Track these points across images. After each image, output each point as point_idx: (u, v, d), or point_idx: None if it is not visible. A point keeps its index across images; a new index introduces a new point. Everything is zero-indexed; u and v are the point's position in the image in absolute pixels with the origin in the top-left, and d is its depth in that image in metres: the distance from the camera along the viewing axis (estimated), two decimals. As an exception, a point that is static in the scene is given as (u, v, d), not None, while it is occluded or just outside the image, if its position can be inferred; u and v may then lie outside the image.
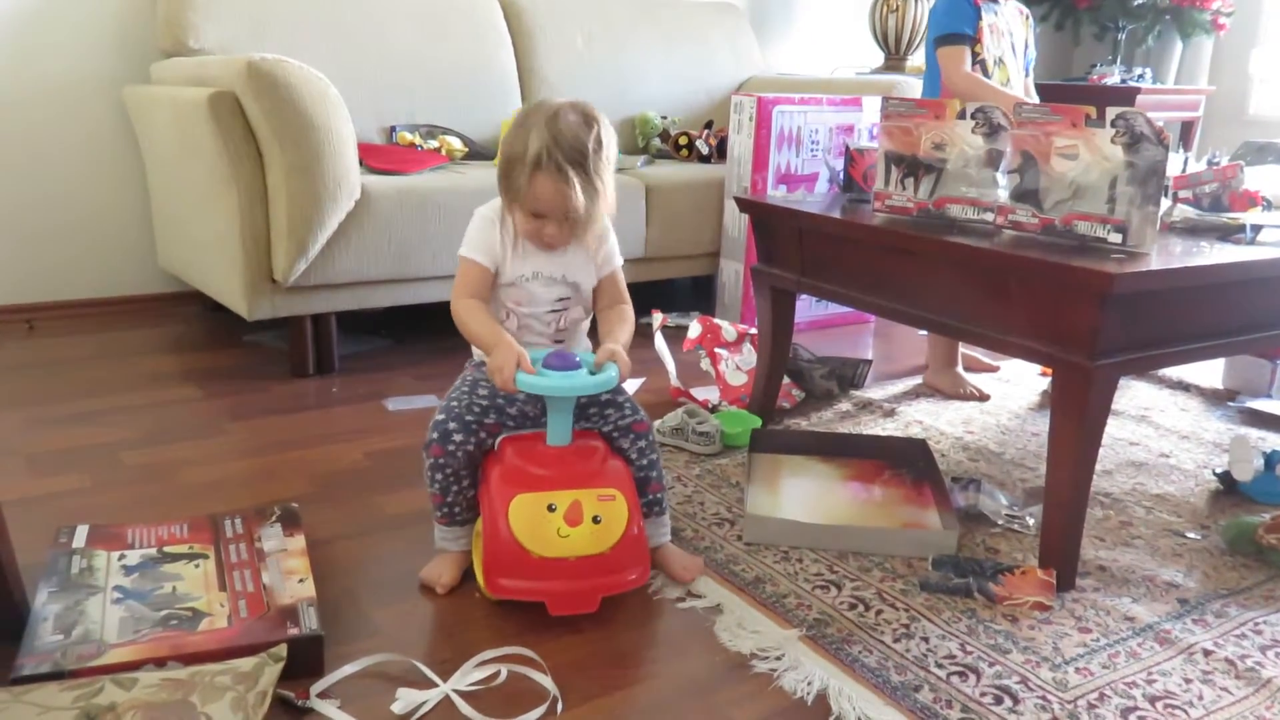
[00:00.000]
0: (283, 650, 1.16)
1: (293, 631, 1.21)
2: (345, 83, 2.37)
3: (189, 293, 2.94)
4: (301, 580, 1.33)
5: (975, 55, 2.22)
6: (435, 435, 1.42)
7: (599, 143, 1.38)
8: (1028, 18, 2.35)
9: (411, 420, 2.13)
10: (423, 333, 2.78)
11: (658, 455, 1.51)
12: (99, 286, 2.93)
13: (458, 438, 1.41)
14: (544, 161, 1.35)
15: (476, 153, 2.92)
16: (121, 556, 1.38)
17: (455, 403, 1.45)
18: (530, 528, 1.32)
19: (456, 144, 2.83)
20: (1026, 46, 2.35)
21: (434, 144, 2.80)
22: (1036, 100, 2.37)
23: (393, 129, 2.84)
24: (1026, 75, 2.37)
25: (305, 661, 1.20)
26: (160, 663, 1.14)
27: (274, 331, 2.66)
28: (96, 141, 2.85)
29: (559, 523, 1.32)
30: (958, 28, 2.21)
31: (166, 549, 1.41)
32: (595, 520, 1.33)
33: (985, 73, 2.23)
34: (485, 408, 1.45)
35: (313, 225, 2.21)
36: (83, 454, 1.91)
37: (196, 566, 1.37)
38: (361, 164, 2.40)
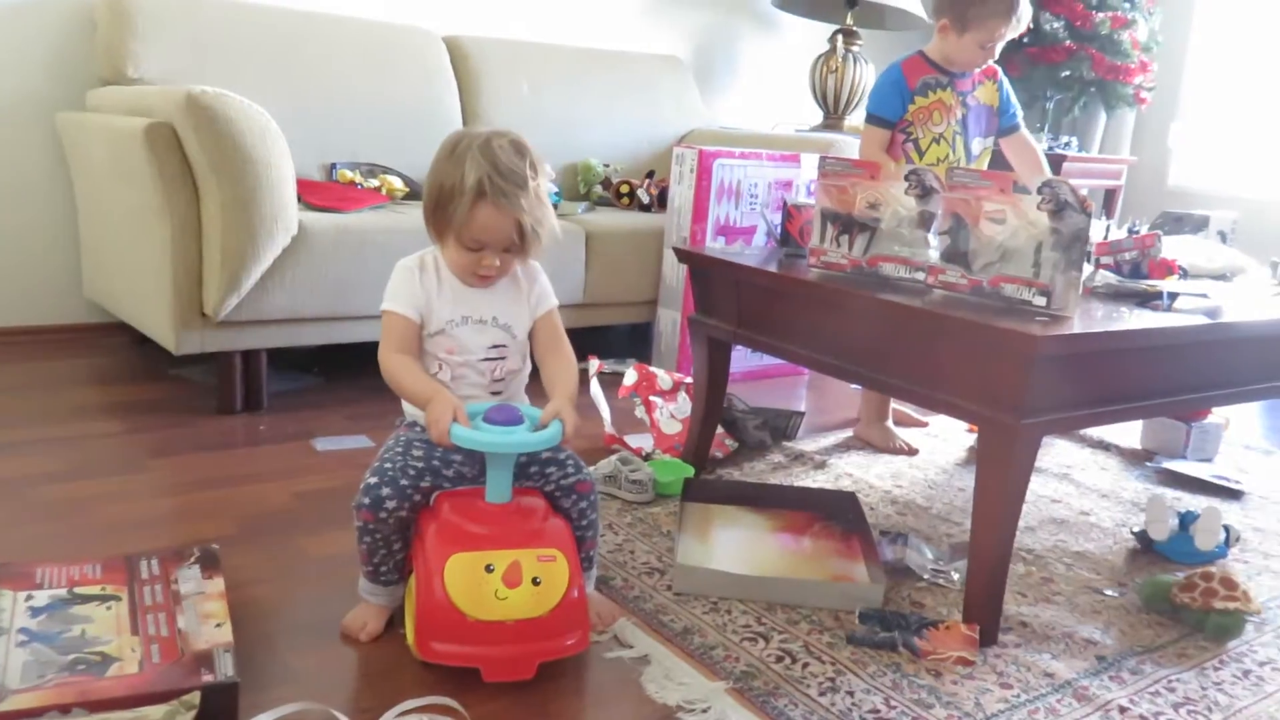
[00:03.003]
0: (195, 698, 1.13)
1: (207, 678, 1.17)
2: (287, 118, 2.36)
3: (114, 324, 2.87)
4: (219, 625, 1.29)
5: (909, 134, 2.30)
6: (366, 500, 1.35)
7: (534, 169, 1.37)
8: (996, 80, 2.38)
9: (341, 461, 2.10)
10: (355, 372, 2.75)
11: (597, 515, 1.47)
12: (21, 314, 2.85)
13: (390, 504, 1.35)
14: (487, 190, 1.32)
15: (417, 193, 2.91)
16: (29, 596, 1.33)
17: (388, 465, 1.38)
18: (466, 589, 1.27)
19: (398, 183, 2.83)
20: (1003, 110, 2.39)
21: (375, 183, 2.78)
22: (1042, 156, 2.43)
23: (333, 166, 2.82)
24: (1010, 134, 2.40)
25: (219, 709, 1.16)
26: (65, 709, 1.10)
27: (202, 366, 2.60)
28: (25, 167, 2.79)
29: (497, 584, 1.28)
30: (880, 111, 2.31)
31: (77, 590, 1.36)
32: (535, 582, 1.29)
33: (919, 149, 2.30)
34: (420, 470, 1.39)
35: (247, 260, 2.18)
36: (-6, 488, 1.84)
37: (108, 609, 1.32)
38: (300, 200, 2.38)
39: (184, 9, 2.72)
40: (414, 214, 2.58)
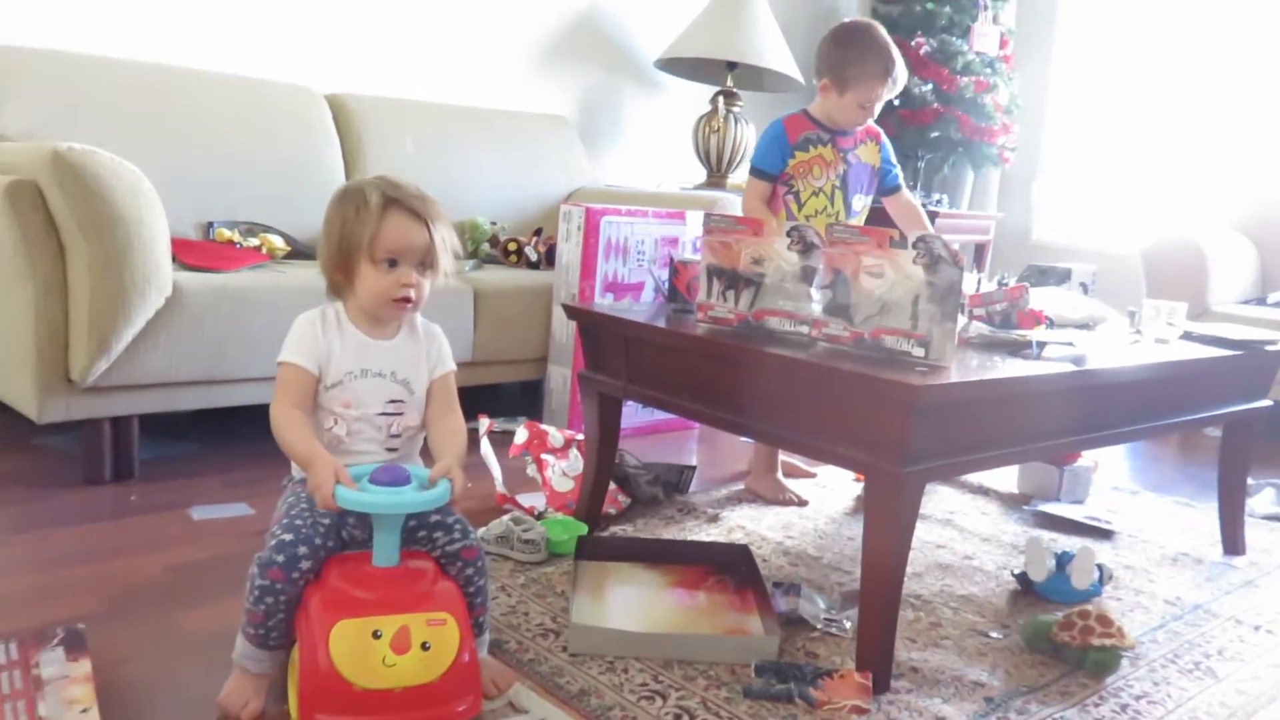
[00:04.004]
0: (58, 791, 1.05)
1: (71, 768, 1.10)
2: (162, 176, 2.28)
3: (-29, 392, 2.71)
4: (85, 710, 1.22)
5: (790, 187, 2.37)
6: (281, 558, 1.29)
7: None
8: (878, 141, 2.47)
9: (219, 530, 2.01)
10: (234, 436, 2.65)
11: (486, 581, 1.44)
12: None
13: (305, 564, 1.30)
14: (395, 198, 1.37)
15: (300, 251, 2.86)
16: None
17: (299, 521, 1.33)
18: (353, 656, 1.22)
19: (279, 242, 2.76)
20: (884, 171, 2.47)
21: (254, 242, 2.72)
22: (923, 213, 2.52)
23: (210, 225, 2.75)
24: (891, 194, 2.49)
25: (84, 802, 1.09)
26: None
27: (67, 435, 2.47)
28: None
29: (384, 650, 1.23)
30: (762, 164, 2.39)
31: (-75, 679, 1.26)
32: (424, 647, 1.25)
33: (799, 202, 2.37)
34: (329, 527, 1.35)
35: (117, 322, 2.09)
36: None
37: (-39, 698, 1.23)
38: (175, 260, 2.30)
39: (51, 63, 2.63)
40: (296, 273, 2.54)
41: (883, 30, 2.33)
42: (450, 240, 1.43)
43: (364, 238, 1.37)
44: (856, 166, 2.42)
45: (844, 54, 2.31)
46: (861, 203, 2.45)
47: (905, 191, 2.53)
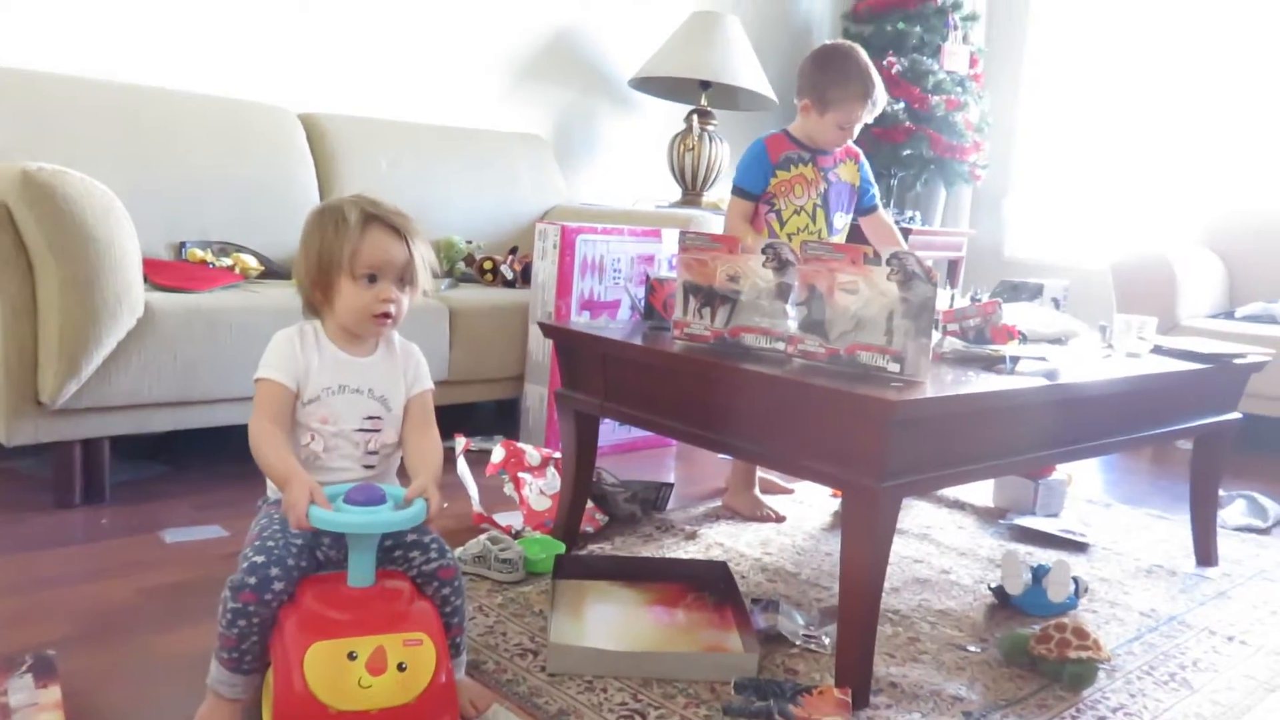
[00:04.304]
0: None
1: (40, 798, 1.08)
2: (134, 196, 2.27)
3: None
4: (54, 737, 1.20)
5: (772, 205, 2.39)
6: (252, 580, 1.27)
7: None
8: (858, 161, 2.49)
9: (193, 553, 1.99)
10: (207, 458, 2.63)
11: (463, 601, 1.43)
12: None
13: (278, 585, 1.28)
14: (375, 214, 1.38)
15: (273, 271, 2.84)
16: None
17: (272, 543, 1.32)
18: (328, 679, 1.20)
19: (252, 262, 2.75)
20: (863, 190, 2.49)
21: (227, 262, 2.70)
22: (898, 232, 2.55)
23: (183, 245, 2.73)
24: (868, 213, 2.51)
25: (54, 832, 1.07)
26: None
27: (36, 457, 2.44)
28: None
29: (360, 672, 1.21)
30: (744, 183, 2.42)
31: (-110, 708, 1.24)
32: (400, 668, 1.23)
33: (780, 220, 2.39)
34: (301, 549, 1.34)
35: (88, 343, 2.07)
36: None
37: (-74, 727, 1.21)
38: (147, 280, 2.28)
39: (21, 83, 2.61)
40: (270, 293, 2.52)
41: (864, 54, 2.35)
42: (429, 257, 1.44)
43: (344, 254, 1.37)
44: (837, 185, 2.44)
45: (825, 75, 2.33)
46: (843, 221, 2.47)
47: (882, 211, 2.56)
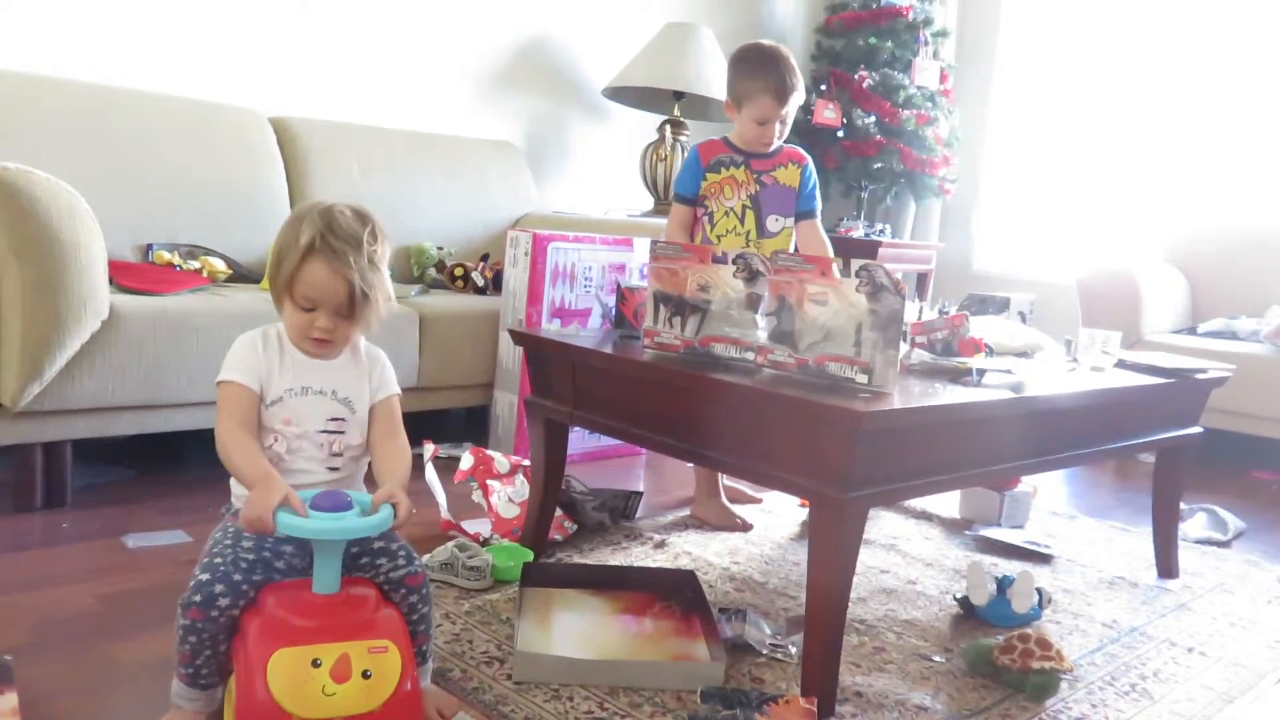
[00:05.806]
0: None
1: (-5, 806, 1.06)
2: (100, 197, 2.25)
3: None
4: (10, 745, 1.18)
5: (706, 208, 2.42)
6: (198, 598, 1.26)
7: (373, 236, 1.39)
8: (801, 165, 2.48)
9: (155, 558, 1.96)
10: (171, 462, 2.60)
11: (430, 608, 1.42)
12: None
13: (223, 602, 1.27)
14: (317, 245, 1.34)
15: (241, 275, 2.82)
16: None
17: (219, 559, 1.31)
18: (291, 686, 1.19)
19: (220, 265, 2.72)
20: (800, 194, 2.47)
21: (195, 264, 2.67)
22: (828, 247, 2.51)
23: (149, 247, 2.70)
24: (802, 219, 2.48)
25: (8, 841, 1.06)
26: None
27: (-4, 461, 2.40)
28: None
29: (324, 679, 1.20)
30: (679, 189, 2.47)
31: None
32: (365, 675, 1.22)
33: (712, 222, 2.42)
34: (252, 563, 1.32)
35: (51, 345, 2.05)
36: None
37: (-122, 735, 1.18)
38: (113, 283, 2.26)
39: (-15, 82, 2.58)
40: (238, 296, 2.50)
41: (780, 50, 2.36)
42: (383, 287, 1.40)
43: (288, 278, 1.36)
44: (772, 188, 2.43)
45: (737, 72, 2.39)
46: (779, 224, 2.45)
47: (816, 222, 2.51)
